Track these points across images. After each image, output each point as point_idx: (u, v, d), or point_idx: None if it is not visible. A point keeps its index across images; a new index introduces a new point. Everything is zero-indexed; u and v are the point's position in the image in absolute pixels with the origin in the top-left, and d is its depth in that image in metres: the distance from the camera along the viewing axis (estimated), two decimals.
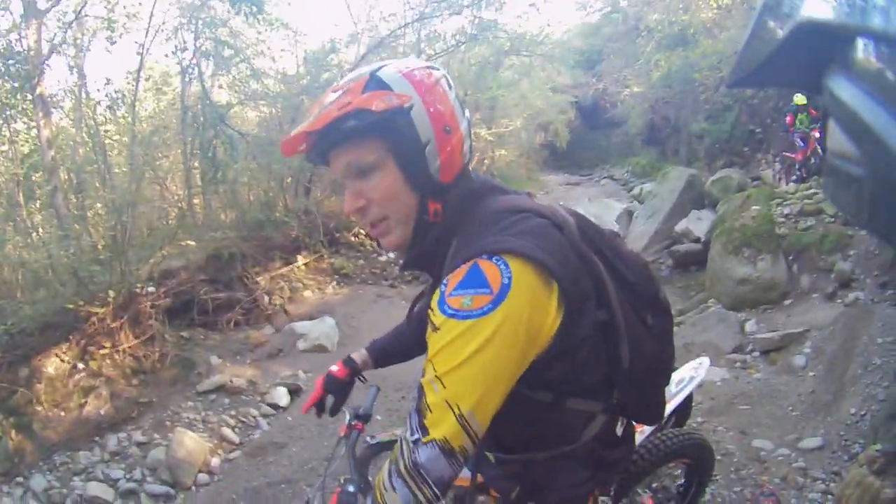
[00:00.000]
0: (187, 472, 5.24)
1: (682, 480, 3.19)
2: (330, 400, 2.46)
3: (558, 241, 1.43)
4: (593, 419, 1.69)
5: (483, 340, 1.28)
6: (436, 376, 1.31)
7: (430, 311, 1.37)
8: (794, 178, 11.46)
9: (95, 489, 5.00)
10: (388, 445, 3.09)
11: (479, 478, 1.88)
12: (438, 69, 1.53)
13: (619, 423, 1.83)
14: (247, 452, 5.58)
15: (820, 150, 10.53)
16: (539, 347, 1.40)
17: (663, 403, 1.86)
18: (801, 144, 11.32)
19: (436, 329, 1.34)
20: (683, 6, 17.46)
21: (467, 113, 1.55)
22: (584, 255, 1.49)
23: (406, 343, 2.36)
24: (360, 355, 2.47)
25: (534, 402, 1.52)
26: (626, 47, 22.11)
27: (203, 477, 5.26)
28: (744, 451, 4.42)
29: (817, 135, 10.80)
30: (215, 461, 5.49)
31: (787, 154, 11.81)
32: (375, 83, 1.42)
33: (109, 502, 4.94)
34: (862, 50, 0.55)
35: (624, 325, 1.56)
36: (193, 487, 5.18)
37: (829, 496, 3.85)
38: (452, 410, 1.29)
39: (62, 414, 5.75)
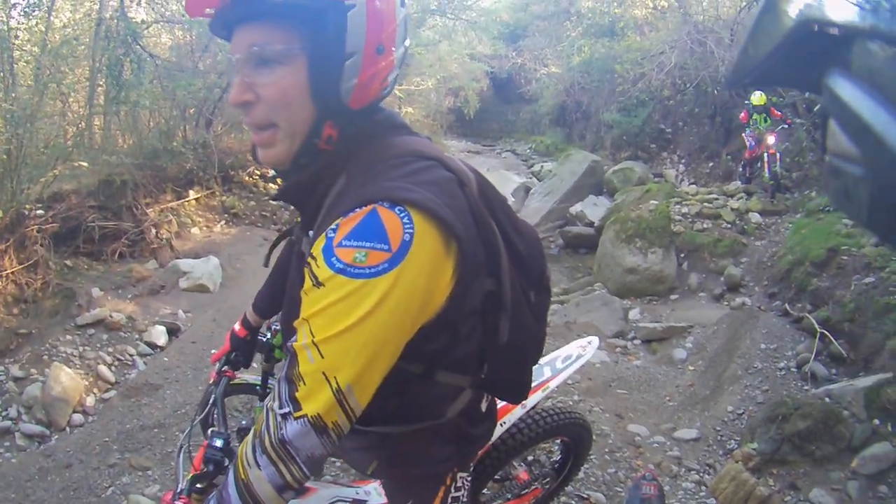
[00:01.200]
0: (62, 411, 5.05)
1: (559, 456, 3.24)
2: (236, 356, 2.29)
3: (462, 201, 1.28)
4: (460, 394, 1.58)
5: (373, 304, 1.12)
6: (313, 342, 1.14)
7: (311, 259, 1.19)
8: (738, 173, 11.10)
9: None
10: (243, 388, 3.01)
11: None
12: None
13: (484, 399, 1.75)
14: (122, 393, 5.38)
15: (766, 157, 9.92)
16: (427, 317, 1.27)
17: (529, 383, 1.72)
18: (751, 144, 10.58)
19: (319, 284, 1.15)
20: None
21: (408, 41, 1.37)
22: (483, 218, 1.34)
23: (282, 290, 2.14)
24: (250, 314, 2.27)
25: (402, 373, 1.34)
26: (552, 27, 22.21)
27: (77, 417, 5.08)
28: (619, 435, 4.51)
29: (771, 140, 10.00)
30: (90, 400, 5.31)
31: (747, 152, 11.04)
32: None
33: None
34: (862, 50, 0.55)
35: (509, 298, 1.44)
36: (67, 428, 5.00)
37: (703, 487, 3.98)
38: (329, 383, 1.13)
39: None
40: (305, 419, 1.14)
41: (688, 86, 13.16)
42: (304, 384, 1.15)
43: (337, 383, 1.13)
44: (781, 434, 4.08)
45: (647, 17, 16.68)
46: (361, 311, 1.12)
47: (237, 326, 2.30)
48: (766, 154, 9.92)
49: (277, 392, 1.19)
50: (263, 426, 1.19)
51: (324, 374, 1.13)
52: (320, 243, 1.17)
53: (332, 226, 1.18)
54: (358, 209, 1.16)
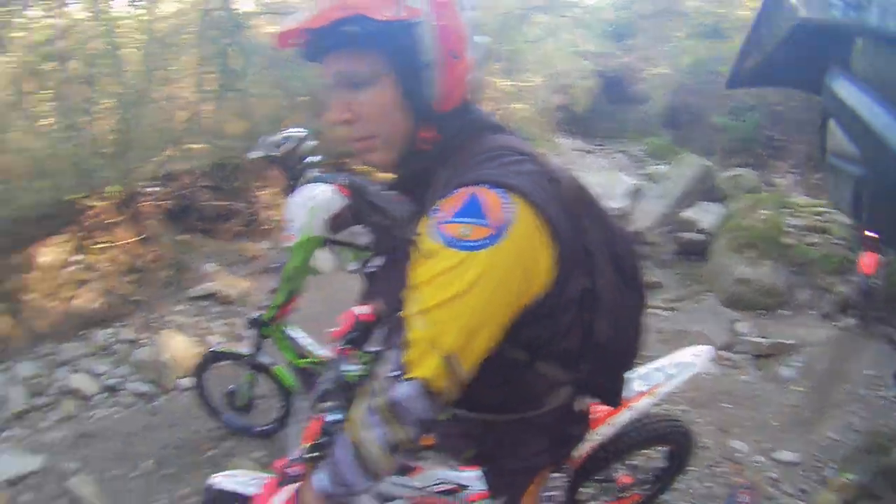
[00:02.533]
0: (170, 374, 5.18)
1: (661, 463, 3.23)
2: (356, 336, 2.34)
3: (555, 195, 1.36)
4: (559, 388, 1.64)
5: (477, 274, 1.22)
6: (421, 310, 1.26)
7: (419, 235, 1.31)
8: None
9: (79, 381, 5.05)
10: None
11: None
12: None
13: (579, 401, 1.78)
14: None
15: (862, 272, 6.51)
16: (529, 297, 1.35)
17: (622, 387, 1.78)
18: None
19: (427, 256, 1.27)
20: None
21: (479, 39, 1.44)
22: (576, 214, 1.43)
23: None
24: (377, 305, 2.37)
25: (506, 359, 1.44)
26: (655, 27, 21.78)
27: (185, 382, 5.18)
28: (720, 449, 4.47)
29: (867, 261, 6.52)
30: None
31: None
32: None
33: (91, 395, 4.99)
34: (861, 50, 0.54)
35: (606, 297, 1.51)
36: (175, 391, 5.16)
37: None
38: (436, 349, 1.24)
39: (53, 304, 5.75)
40: (415, 381, 1.25)
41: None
42: (414, 349, 1.26)
43: (443, 349, 1.24)
44: (877, 466, 3.90)
45: (749, 18, 16.16)
46: (467, 281, 1.22)
47: (366, 309, 2.36)
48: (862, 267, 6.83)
49: (390, 357, 1.32)
50: (375, 388, 1.31)
51: (432, 340, 1.25)
52: (424, 223, 1.31)
53: (435, 208, 1.31)
54: (458, 191, 1.29)
